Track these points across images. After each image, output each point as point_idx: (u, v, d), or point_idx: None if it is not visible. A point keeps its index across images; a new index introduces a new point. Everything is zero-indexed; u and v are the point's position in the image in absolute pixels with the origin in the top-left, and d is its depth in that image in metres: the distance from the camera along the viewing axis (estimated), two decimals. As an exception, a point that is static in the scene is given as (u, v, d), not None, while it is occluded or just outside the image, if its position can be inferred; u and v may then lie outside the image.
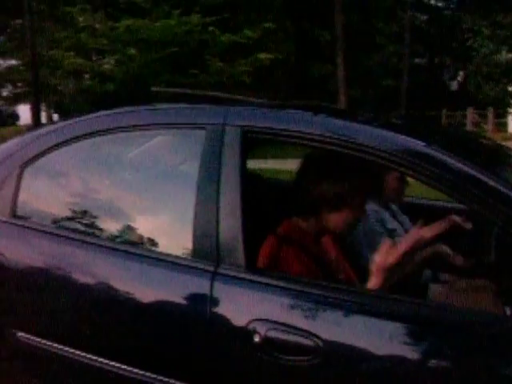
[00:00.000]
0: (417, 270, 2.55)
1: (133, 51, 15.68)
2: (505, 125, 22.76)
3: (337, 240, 2.30)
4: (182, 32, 15.73)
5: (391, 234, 2.65)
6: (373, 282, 1.86)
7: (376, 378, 1.67)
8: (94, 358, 1.96)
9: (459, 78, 32.45)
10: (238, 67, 16.33)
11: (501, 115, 22.18)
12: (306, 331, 1.69)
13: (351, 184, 2.06)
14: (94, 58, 18.88)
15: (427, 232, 1.97)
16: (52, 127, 2.45)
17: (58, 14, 18.37)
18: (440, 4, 32.55)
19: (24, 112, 24.36)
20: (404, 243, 1.92)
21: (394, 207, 2.85)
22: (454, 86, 33.18)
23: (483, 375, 1.59)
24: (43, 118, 19.26)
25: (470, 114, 21.05)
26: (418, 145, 1.82)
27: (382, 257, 1.89)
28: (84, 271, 2.06)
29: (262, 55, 16.52)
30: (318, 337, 1.68)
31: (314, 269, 2.05)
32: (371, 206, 2.66)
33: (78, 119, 2.35)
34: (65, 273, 2.08)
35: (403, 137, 1.86)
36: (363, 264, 2.47)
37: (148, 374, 1.88)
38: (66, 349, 2.00)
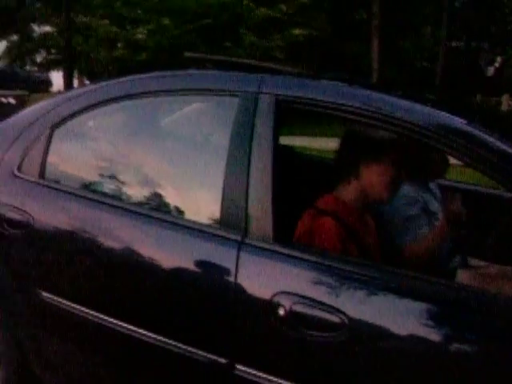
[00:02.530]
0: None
1: (166, 21, 15.62)
2: (541, 113, 22.23)
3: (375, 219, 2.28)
4: (216, 4, 15.61)
5: (432, 217, 2.59)
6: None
7: (400, 357, 1.64)
8: (117, 322, 1.95)
9: (496, 64, 31.74)
10: (272, 42, 16.15)
11: (537, 103, 21.66)
12: (332, 307, 1.66)
13: (390, 140, 2.09)
14: (127, 27, 18.85)
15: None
16: (84, 89, 2.43)
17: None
18: (481, -14, 31.75)
19: (57, 79, 24.48)
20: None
21: (435, 190, 2.78)
22: (491, 71, 32.49)
23: (504, 363, 1.56)
24: (75, 86, 19.37)
25: (505, 100, 20.57)
26: (459, 122, 1.76)
27: None
28: (111, 235, 2.05)
29: (297, 31, 16.30)
30: (344, 313, 1.64)
31: (352, 246, 2.01)
32: (413, 188, 2.59)
33: (109, 82, 2.33)
34: (91, 236, 2.08)
35: (443, 113, 1.80)
36: (395, 248, 2.43)
37: (170, 341, 1.87)
38: (88, 311, 2.01)
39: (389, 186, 2.12)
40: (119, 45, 18.62)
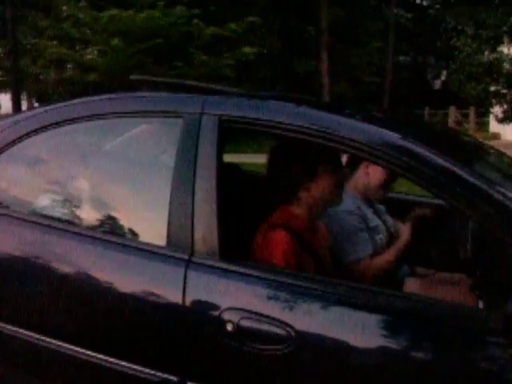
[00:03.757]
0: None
1: (116, 42, 15.57)
2: (487, 124, 22.86)
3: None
4: (166, 24, 15.65)
5: (373, 231, 2.66)
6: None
7: (347, 368, 1.67)
8: (72, 347, 1.94)
9: (443, 77, 32.65)
10: (222, 60, 16.29)
11: (483, 115, 22.27)
12: (278, 320, 1.69)
13: (319, 156, 2.15)
14: (77, 48, 18.70)
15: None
16: (30, 113, 2.41)
17: (41, 2, 18.16)
18: (425, 3, 32.74)
19: (5, 101, 24.05)
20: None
21: (378, 205, 2.86)
22: (438, 84, 33.38)
23: (457, 366, 1.60)
24: (24, 108, 19.05)
25: (452, 112, 21.16)
26: (394, 137, 1.83)
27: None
28: (61, 260, 2.03)
29: (247, 49, 16.49)
30: (290, 326, 1.68)
31: (306, 258, 2.06)
32: (355, 202, 2.67)
33: (56, 105, 2.32)
34: (42, 261, 2.06)
35: (379, 129, 1.87)
36: (340, 258, 2.49)
37: (124, 363, 1.87)
38: (43, 338, 1.98)
39: (337, 192, 2.20)
40: (69, 66, 18.46)
